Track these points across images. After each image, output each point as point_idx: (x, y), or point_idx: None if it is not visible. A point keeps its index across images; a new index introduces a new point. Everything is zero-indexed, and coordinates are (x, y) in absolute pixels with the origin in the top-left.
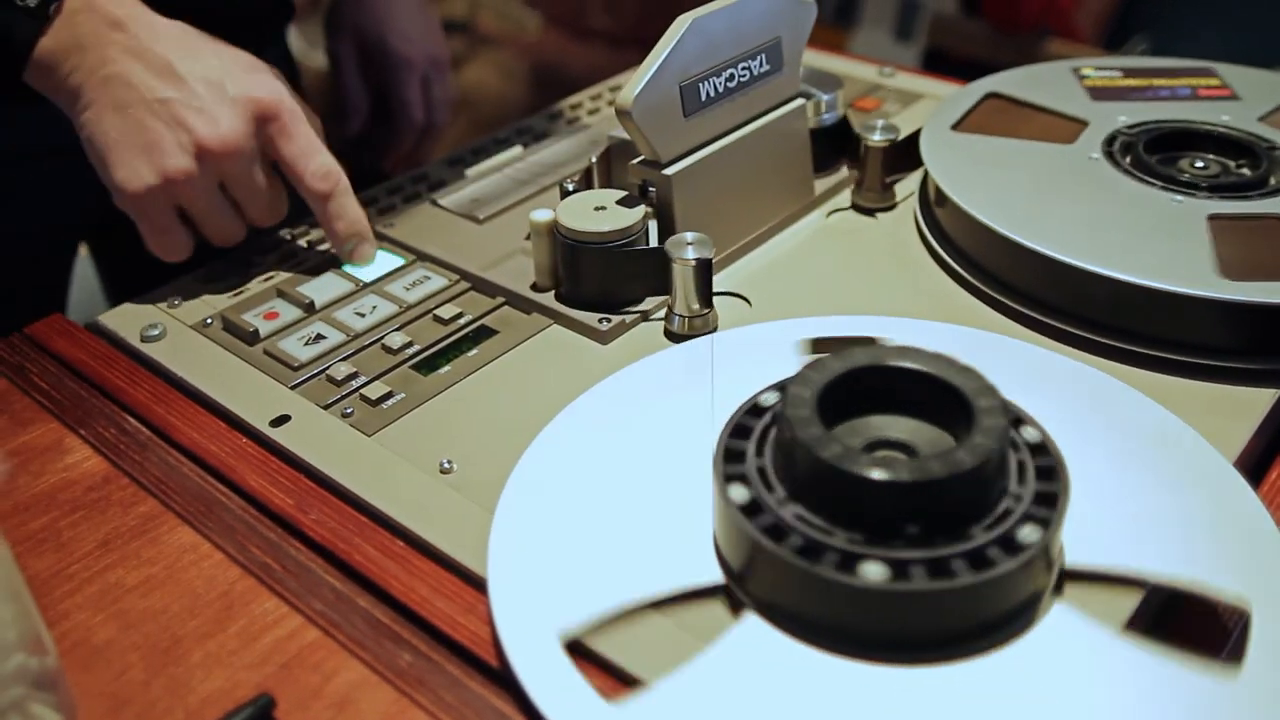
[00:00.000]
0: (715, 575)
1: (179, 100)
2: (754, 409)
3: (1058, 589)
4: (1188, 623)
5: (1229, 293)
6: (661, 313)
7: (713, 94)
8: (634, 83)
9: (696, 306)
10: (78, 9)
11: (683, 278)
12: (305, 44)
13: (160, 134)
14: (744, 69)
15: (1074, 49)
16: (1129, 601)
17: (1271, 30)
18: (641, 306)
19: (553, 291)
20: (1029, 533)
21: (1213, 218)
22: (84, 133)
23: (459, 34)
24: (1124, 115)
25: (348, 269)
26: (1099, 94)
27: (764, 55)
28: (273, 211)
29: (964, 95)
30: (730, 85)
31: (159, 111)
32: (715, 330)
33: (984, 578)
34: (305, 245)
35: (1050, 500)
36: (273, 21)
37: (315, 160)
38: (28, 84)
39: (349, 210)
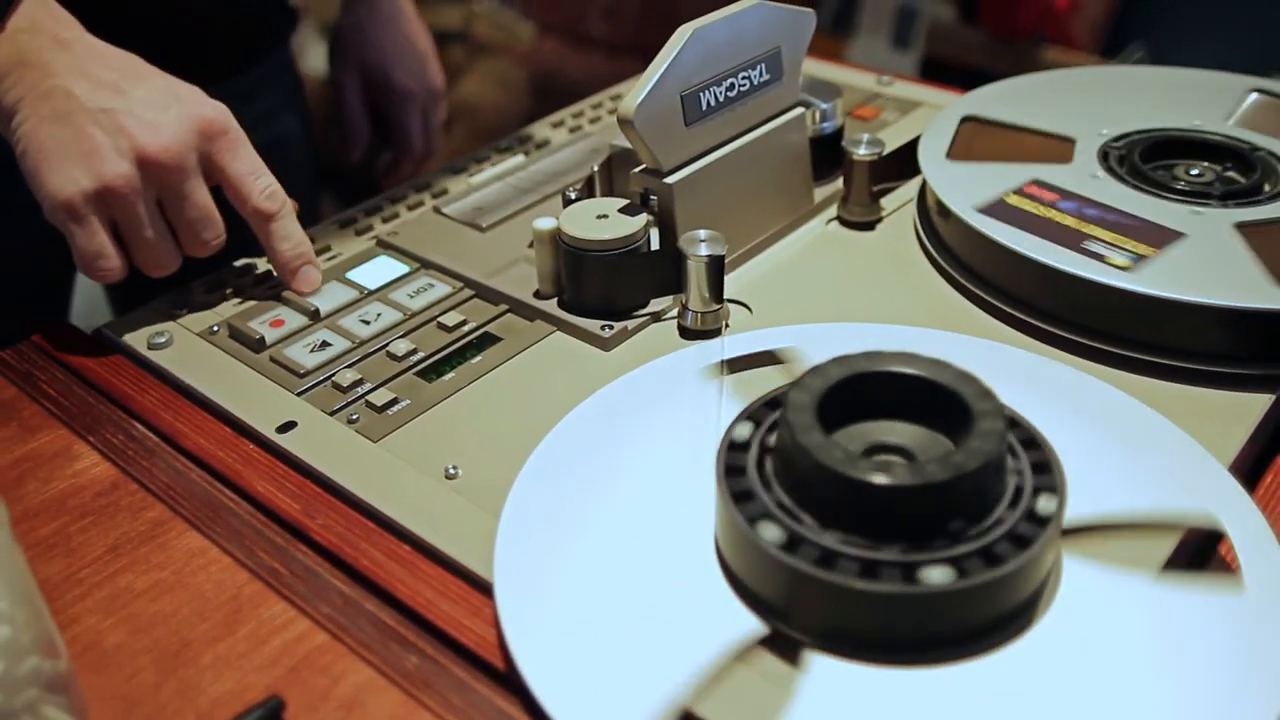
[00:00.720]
0: (753, 624)
1: (121, 110)
2: (733, 445)
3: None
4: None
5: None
6: (669, 314)
7: (713, 103)
8: (635, 92)
9: (709, 302)
10: (23, 28)
11: (696, 274)
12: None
13: (99, 141)
14: (744, 78)
15: (1071, 57)
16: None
17: (1267, 39)
18: (646, 309)
19: (555, 299)
20: (1045, 503)
21: (1240, 226)
22: (20, 146)
23: (457, 44)
24: (1105, 128)
25: (351, 276)
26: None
27: (764, 65)
28: (212, 236)
29: (943, 120)
30: (730, 94)
31: (100, 120)
32: (727, 325)
33: (1023, 559)
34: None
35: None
36: (276, 29)
37: (261, 180)
38: None
39: (294, 232)
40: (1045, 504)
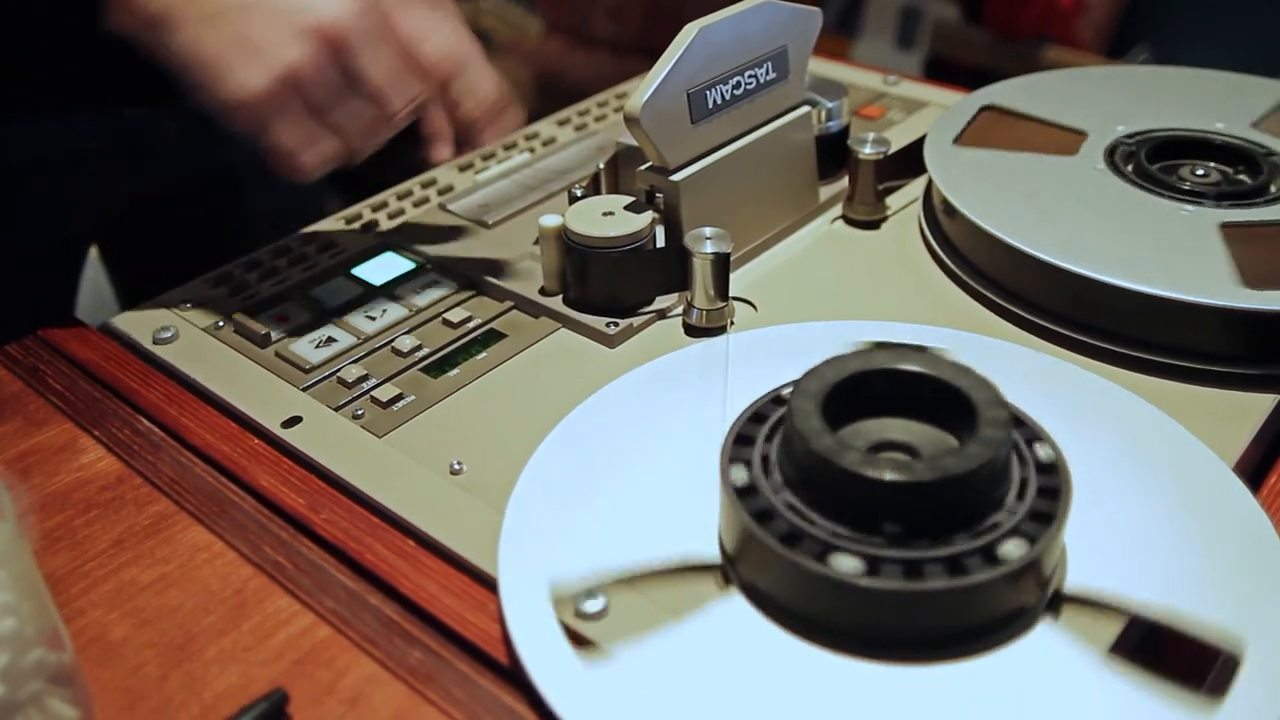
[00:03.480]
0: (712, 552)
1: None
2: (776, 399)
3: (1053, 605)
4: (1177, 644)
5: (1251, 302)
6: (674, 311)
7: (719, 101)
8: (642, 90)
9: (715, 300)
10: None
11: (702, 271)
12: None
13: (264, 30)
14: (750, 76)
15: (1076, 57)
16: (1114, 625)
17: (1274, 39)
18: (651, 307)
19: (561, 296)
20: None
21: (1225, 226)
22: (179, 58)
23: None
24: (1121, 125)
25: (356, 272)
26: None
27: (770, 63)
28: (406, 101)
29: (961, 108)
30: (737, 93)
31: (260, 6)
32: (732, 323)
33: (961, 583)
34: (315, 249)
35: (1052, 494)
36: None
37: (447, 25)
38: (106, 30)
39: (490, 77)
40: (1049, 502)
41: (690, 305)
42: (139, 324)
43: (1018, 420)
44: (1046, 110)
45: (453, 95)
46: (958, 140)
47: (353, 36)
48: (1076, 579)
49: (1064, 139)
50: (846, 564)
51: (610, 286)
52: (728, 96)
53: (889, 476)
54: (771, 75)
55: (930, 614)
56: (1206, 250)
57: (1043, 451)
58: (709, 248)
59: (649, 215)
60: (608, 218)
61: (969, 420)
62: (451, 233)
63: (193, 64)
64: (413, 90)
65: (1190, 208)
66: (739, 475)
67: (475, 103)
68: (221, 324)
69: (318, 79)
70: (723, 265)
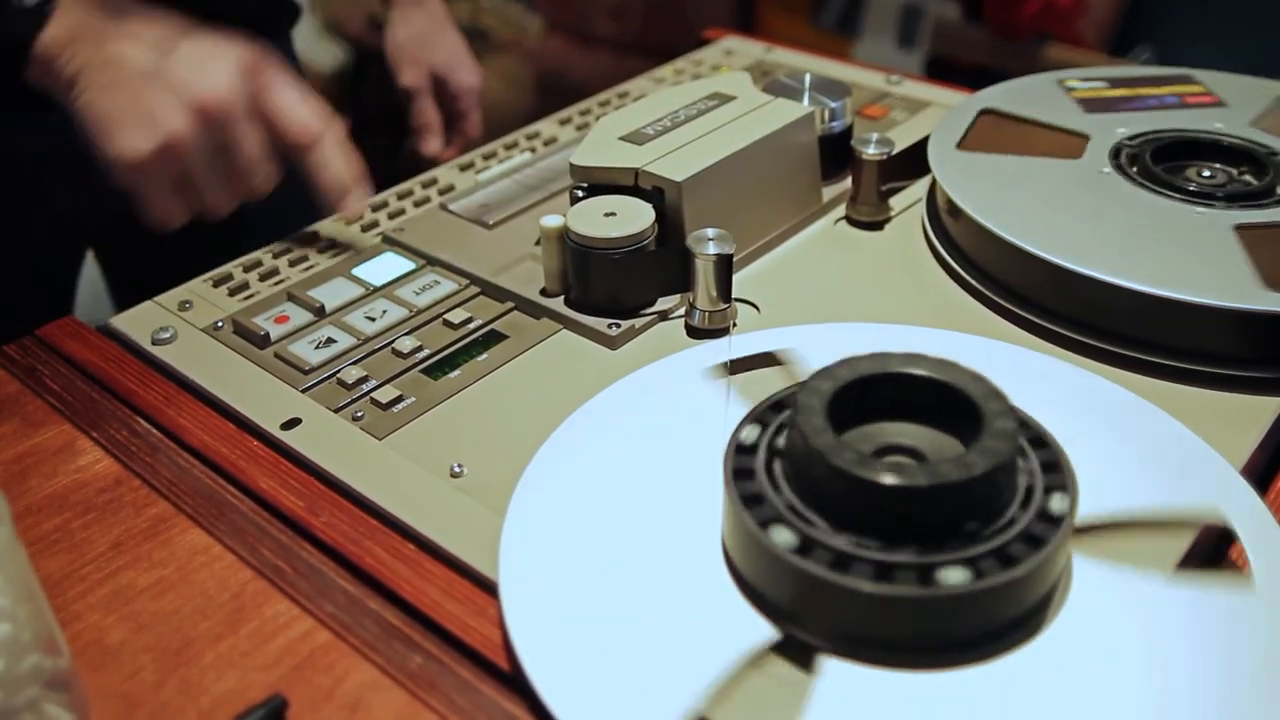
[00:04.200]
0: (763, 627)
1: (171, 68)
2: (741, 447)
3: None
4: None
5: (1266, 304)
6: (676, 313)
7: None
8: None
9: (717, 301)
10: (73, 3)
11: (704, 273)
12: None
13: (155, 100)
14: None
15: (1077, 56)
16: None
17: (1275, 39)
18: (654, 307)
19: (562, 297)
20: (1057, 504)
21: (1240, 228)
22: (82, 115)
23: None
24: (1122, 127)
25: (356, 272)
26: (1091, 106)
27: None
28: (264, 180)
29: (960, 112)
30: None
31: (153, 81)
32: (735, 325)
33: (1037, 560)
34: (316, 249)
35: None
36: (278, 22)
37: (308, 104)
38: (27, 83)
39: (334, 160)
40: (1057, 504)
41: (692, 307)
42: (137, 324)
43: (1023, 424)
44: (1047, 114)
45: (312, 164)
46: (960, 144)
47: (229, 112)
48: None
49: (1068, 141)
50: (954, 576)
51: (612, 287)
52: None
53: (889, 480)
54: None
55: (1016, 599)
56: (1221, 252)
57: (1049, 459)
58: (711, 249)
59: (652, 216)
60: (610, 219)
61: (974, 427)
62: (452, 233)
63: (92, 123)
64: (269, 173)
65: (1201, 209)
66: (785, 537)
67: (333, 173)
68: (221, 324)
69: (194, 147)
70: (725, 266)
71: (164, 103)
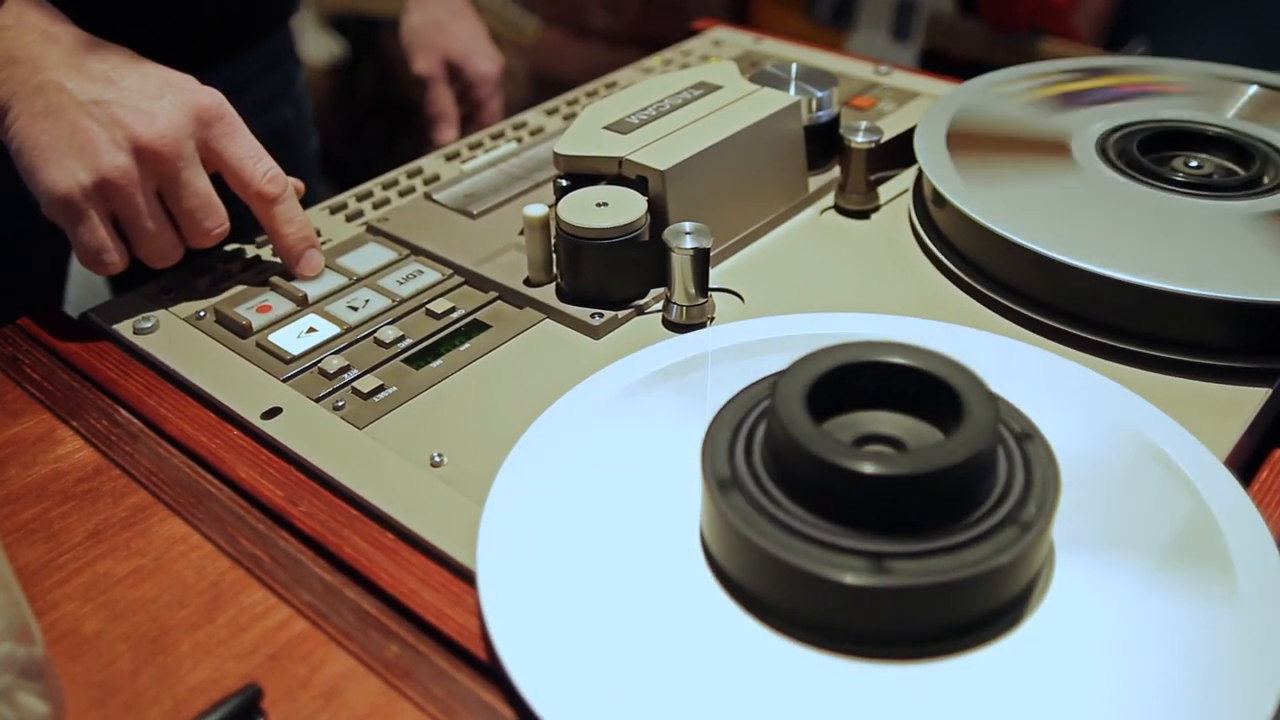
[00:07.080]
0: (737, 615)
1: (114, 100)
2: (719, 435)
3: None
4: None
5: (1252, 293)
6: (656, 306)
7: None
8: None
9: (694, 295)
10: (9, 24)
11: (681, 267)
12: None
13: (94, 133)
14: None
15: (1072, 49)
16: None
17: (1269, 33)
18: (643, 299)
19: (546, 286)
20: (1038, 494)
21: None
22: (14, 144)
23: None
24: (1100, 121)
25: (340, 262)
26: (1067, 101)
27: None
28: (214, 225)
29: (947, 102)
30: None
31: (93, 112)
32: (713, 319)
33: (1018, 550)
34: None
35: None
36: (273, 11)
37: (262, 164)
38: None
39: (297, 215)
40: (1038, 494)
41: (669, 301)
42: (119, 314)
43: (1005, 414)
44: (1018, 112)
45: (277, 217)
46: (947, 138)
47: (173, 153)
48: (1064, 574)
49: (1052, 133)
50: (928, 567)
51: (604, 277)
52: None
53: (869, 469)
54: None
55: (992, 595)
56: (1207, 242)
57: (1031, 449)
58: (688, 243)
59: (644, 205)
60: (601, 208)
61: (955, 416)
62: (436, 223)
63: (21, 152)
64: (216, 218)
65: (1190, 199)
66: (759, 526)
67: (296, 228)
68: (202, 314)
69: (127, 192)
70: (702, 261)
71: (103, 137)
